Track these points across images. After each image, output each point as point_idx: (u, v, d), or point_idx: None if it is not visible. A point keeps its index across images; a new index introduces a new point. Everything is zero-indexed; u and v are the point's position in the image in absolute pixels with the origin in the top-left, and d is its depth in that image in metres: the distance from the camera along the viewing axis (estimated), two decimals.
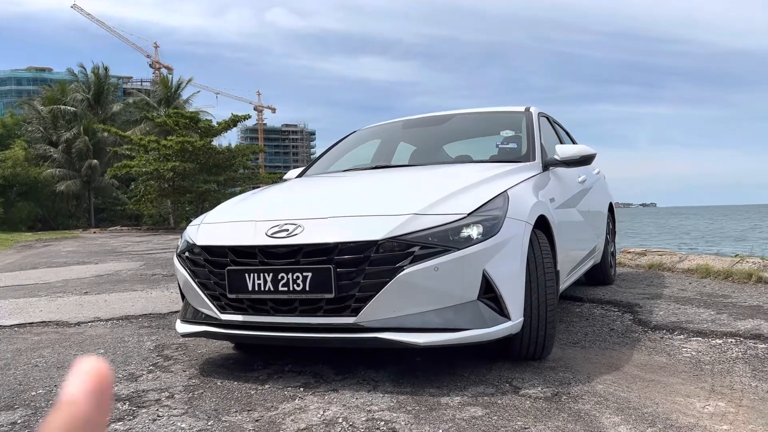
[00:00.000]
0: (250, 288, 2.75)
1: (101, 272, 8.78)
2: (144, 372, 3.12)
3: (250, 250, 2.79)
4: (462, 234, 2.66)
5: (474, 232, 2.67)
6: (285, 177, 4.49)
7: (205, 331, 2.97)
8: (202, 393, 2.72)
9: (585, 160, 3.79)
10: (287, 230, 2.77)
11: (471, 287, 2.65)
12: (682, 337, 3.55)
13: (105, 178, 39.19)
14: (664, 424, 2.19)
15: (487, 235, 2.69)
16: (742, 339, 3.41)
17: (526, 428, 2.17)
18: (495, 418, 2.28)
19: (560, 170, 3.95)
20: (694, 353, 3.18)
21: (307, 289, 2.65)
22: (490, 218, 2.75)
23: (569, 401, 2.45)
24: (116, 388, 2.86)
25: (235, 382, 2.86)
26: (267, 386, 2.78)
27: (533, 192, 3.25)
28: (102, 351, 3.67)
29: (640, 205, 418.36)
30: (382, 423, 2.26)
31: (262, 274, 2.73)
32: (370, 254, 2.60)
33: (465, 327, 2.62)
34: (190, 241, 3.07)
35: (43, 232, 32.32)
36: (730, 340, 3.42)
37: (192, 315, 3.08)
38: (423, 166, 3.84)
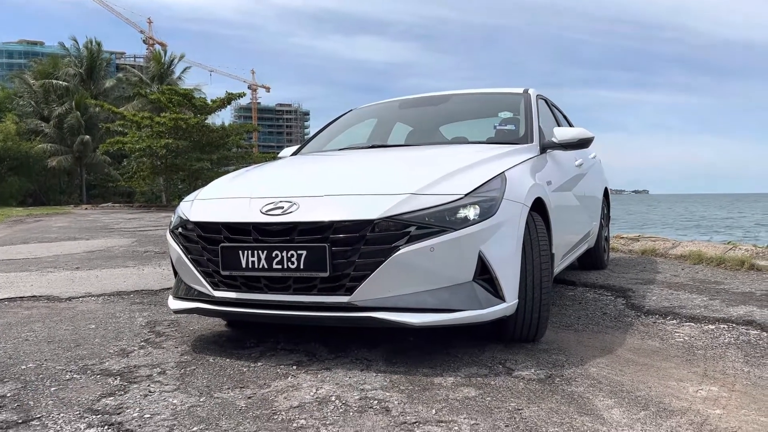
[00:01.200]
0: (243, 265, 2.72)
1: (93, 248, 8.73)
2: (135, 348, 3.10)
3: (244, 227, 2.76)
4: (458, 215, 2.63)
5: (471, 213, 2.65)
6: (280, 155, 4.45)
7: (197, 308, 2.95)
8: (194, 369, 2.70)
9: (583, 144, 3.77)
10: (282, 207, 2.74)
11: (466, 268, 2.64)
12: (674, 322, 3.55)
13: (97, 155, 38.94)
14: (657, 407, 2.19)
15: (483, 216, 2.67)
16: (734, 325, 3.42)
17: (519, 409, 2.17)
18: (488, 398, 2.27)
19: (557, 153, 3.93)
20: (686, 338, 3.19)
21: (302, 267, 2.63)
22: (487, 199, 2.72)
23: (563, 383, 2.45)
24: (107, 363, 2.84)
25: (228, 359, 2.85)
26: (259, 364, 2.76)
27: (530, 174, 3.22)
28: (93, 326, 3.65)
29: (633, 191, 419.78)
30: (375, 402, 2.25)
31: (256, 252, 2.70)
32: (365, 233, 2.58)
33: (459, 308, 2.61)
34: (184, 217, 3.03)
35: (34, 208, 32.16)
36: (722, 326, 3.43)
37: (184, 291, 3.05)
38: (419, 146, 3.80)
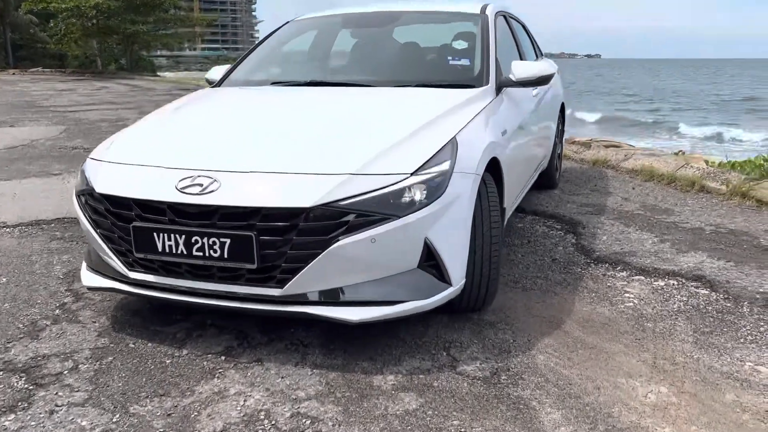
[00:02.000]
0: (159, 249, 2.41)
1: (15, 142, 8.08)
2: (48, 321, 2.82)
3: (159, 206, 2.41)
4: (403, 199, 2.34)
5: (417, 195, 2.36)
6: (207, 77, 3.96)
7: (113, 288, 2.65)
8: (111, 362, 2.46)
9: (543, 81, 3.43)
10: (201, 185, 2.38)
11: (411, 257, 2.39)
12: (624, 274, 3.44)
13: (20, 13, 35.77)
14: (606, 424, 2.08)
15: (431, 197, 2.39)
16: (684, 281, 3.33)
17: (462, 430, 2.03)
18: (430, 413, 2.12)
19: (514, 91, 3.58)
20: (636, 302, 3.09)
21: (226, 256, 2.33)
22: (435, 175, 2.43)
23: (509, 384, 2.31)
24: (14, 349, 2.56)
25: (150, 344, 2.60)
26: (184, 352, 2.53)
27: (484, 129, 2.91)
28: (4, 280, 3.32)
29: (585, 56, 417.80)
30: (308, 422, 2.07)
31: (173, 235, 2.38)
32: (298, 222, 2.28)
33: (403, 299, 2.40)
34: (90, 183, 2.65)
35: None
36: (672, 281, 3.34)
37: (98, 264, 2.73)
38: (363, 89, 3.36)
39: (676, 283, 3.33)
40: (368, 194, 2.31)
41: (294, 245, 2.29)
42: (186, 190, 2.38)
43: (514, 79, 3.37)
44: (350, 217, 2.28)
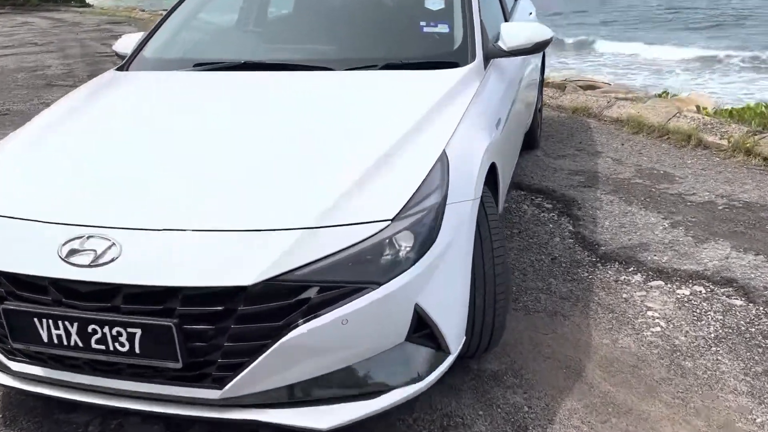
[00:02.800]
0: (45, 339, 1.71)
1: None
2: None
3: (37, 282, 1.70)
4: (384, 258, 1.68)
5: (402, 249, 1.70)
6: (115, 49, 3.11)
7: None
8: None
9: (539, 48, 2.72)
10: (94, 251, 1.66)
11: (396, 330, 1.76)
12: (639, 279, 2.88)
13: None
14: None
15: (421, 248, 1.73)
16: (712, 288, 2.79)
17: None
18: None
19: (503, 62, 2.87)
20: (663, 325, 2.53)
21: (137, 351, 1.66)
22: (423, 216, 1.76)
23: None
24: None
25: None
26: None
27: (478, 128, 2.23)
28: None
29: None
30: None
31: (61, 323, 1.68)
32: (236, 307, 1.60)
33: (389, 384, 1.77)
34: None
35: None
36: (698, 288, 2.79)
37: None
38: (315, 77, 2.56)
39: (703, 290, 2.78)
40: (334, 257, 1.64)
41: (233, 336, 1.62)
42: (73, 260, 1.66)
43: (505, 48, 2.66)
44: (311, 293, 1.62)
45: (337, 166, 1.85)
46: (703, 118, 5.01)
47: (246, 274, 1.58)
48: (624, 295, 2.77)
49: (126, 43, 3.08)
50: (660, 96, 6.13)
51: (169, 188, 1.85)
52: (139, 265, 1.63)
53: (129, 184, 1.89)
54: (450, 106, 2.19)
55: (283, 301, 1.60)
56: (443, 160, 1.91)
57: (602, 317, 2.60)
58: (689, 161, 4.41)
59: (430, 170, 1.85)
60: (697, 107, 5.44)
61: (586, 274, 2.95)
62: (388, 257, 1.68)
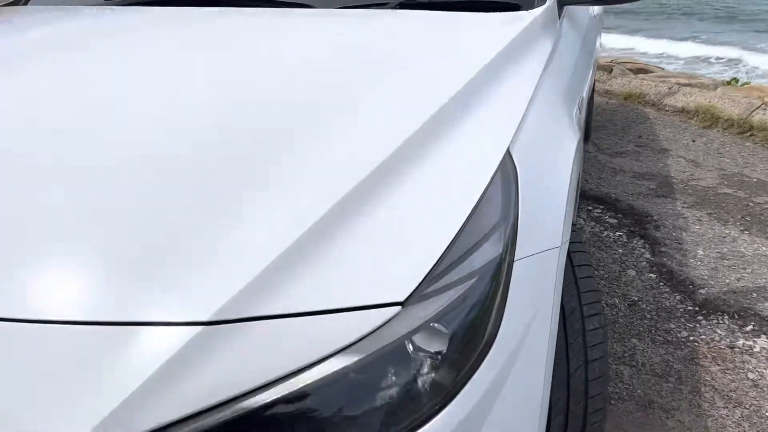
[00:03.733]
0: None
1: None
2: None
3: None
4: (390, 391, 0.74)
5: (426, 365, 0.77)
6: None
7: None
8: None
9: None
10: None
11: None
12: (766, 345, 1.95)
13: None
14: None
15: (466, 356, 0.80)
16: None
17: None
18: None
19: (577, 10, 1.91)
20: None
21: None
22: (469, 289, 0.82)
23: None
24: None
25: None
26: None
27: (561, 114, 1.28)
28: None
29: None
30: None
31: None
32: None
33: None
34: None
35: None
36: None
37: None
38: (299, 13, 1.61)
39: None
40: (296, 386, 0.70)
41: None
42: None
43: None
44: None
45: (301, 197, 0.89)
46: None
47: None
48: (749, 375, 1.83)
49: None
50: (729, 83, 5.13)
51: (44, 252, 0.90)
52: None
53: None
54: (512, 75, 1.23)
55: None
56: (506, 170, 0.97)
57: (725, 414, 1.67)
58: None
59: (483, 192, 0.90)
60: None
61: (686, 333, 2.01)
62: (399, 388, 0.74)
